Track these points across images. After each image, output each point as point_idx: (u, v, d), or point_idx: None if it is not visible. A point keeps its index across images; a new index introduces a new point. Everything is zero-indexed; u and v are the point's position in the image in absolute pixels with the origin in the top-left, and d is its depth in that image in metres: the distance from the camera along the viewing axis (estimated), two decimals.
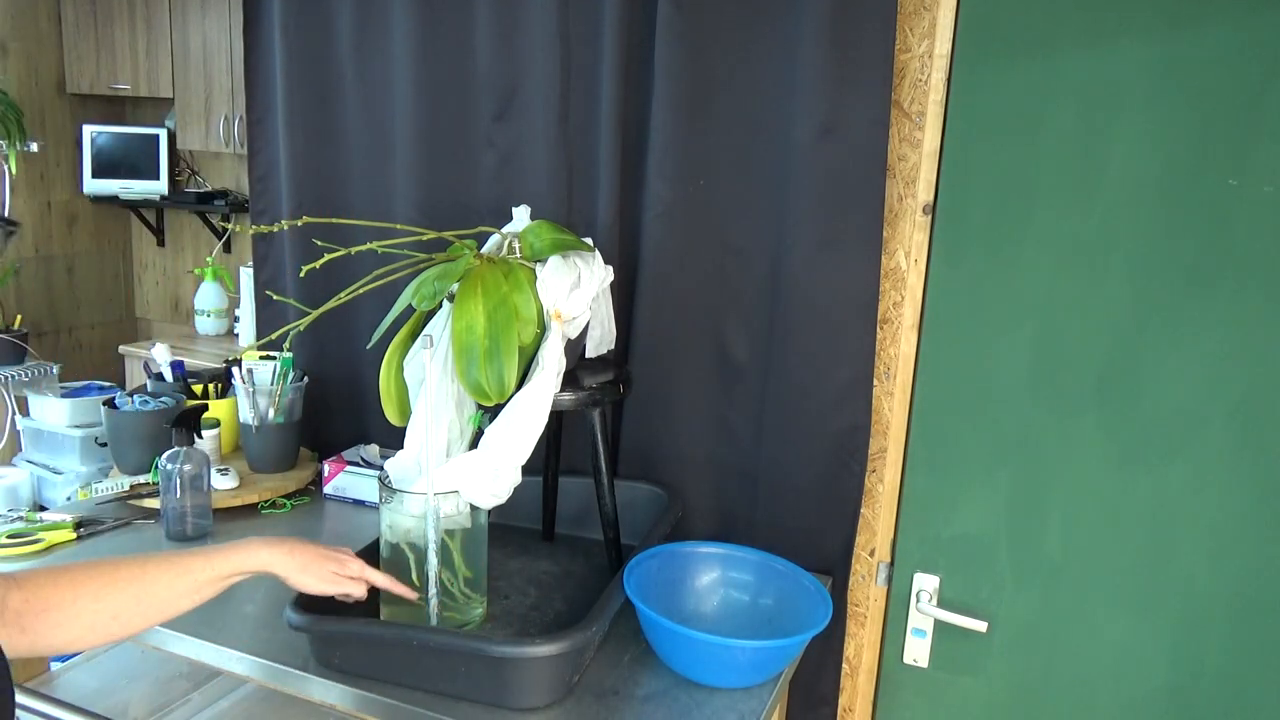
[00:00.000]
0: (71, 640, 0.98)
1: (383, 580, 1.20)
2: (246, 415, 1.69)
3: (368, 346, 1.40)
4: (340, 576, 1.14)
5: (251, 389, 1.68)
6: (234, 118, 3.43)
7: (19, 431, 3.28)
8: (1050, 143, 1.29)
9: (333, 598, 1.16)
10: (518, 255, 1.31)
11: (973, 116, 1.33)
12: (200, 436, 1.58)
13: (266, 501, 1.68)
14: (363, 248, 1.29)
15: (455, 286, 1.23)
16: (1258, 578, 1.27)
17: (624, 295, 1.56)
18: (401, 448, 1.27)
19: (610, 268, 1.37)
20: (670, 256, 1.52)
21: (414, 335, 1.34)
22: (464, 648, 1.11)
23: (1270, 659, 1.28)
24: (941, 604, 1.46)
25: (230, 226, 3.89)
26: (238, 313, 3.54)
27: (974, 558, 1.43)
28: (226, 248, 3.95)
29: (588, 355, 1.41)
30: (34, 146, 3.61)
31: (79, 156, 3.81)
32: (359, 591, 1.17)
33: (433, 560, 1.22)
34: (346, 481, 1.72)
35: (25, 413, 3.25)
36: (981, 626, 1.43)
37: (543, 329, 1.26)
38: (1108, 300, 1.29)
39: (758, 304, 1.50)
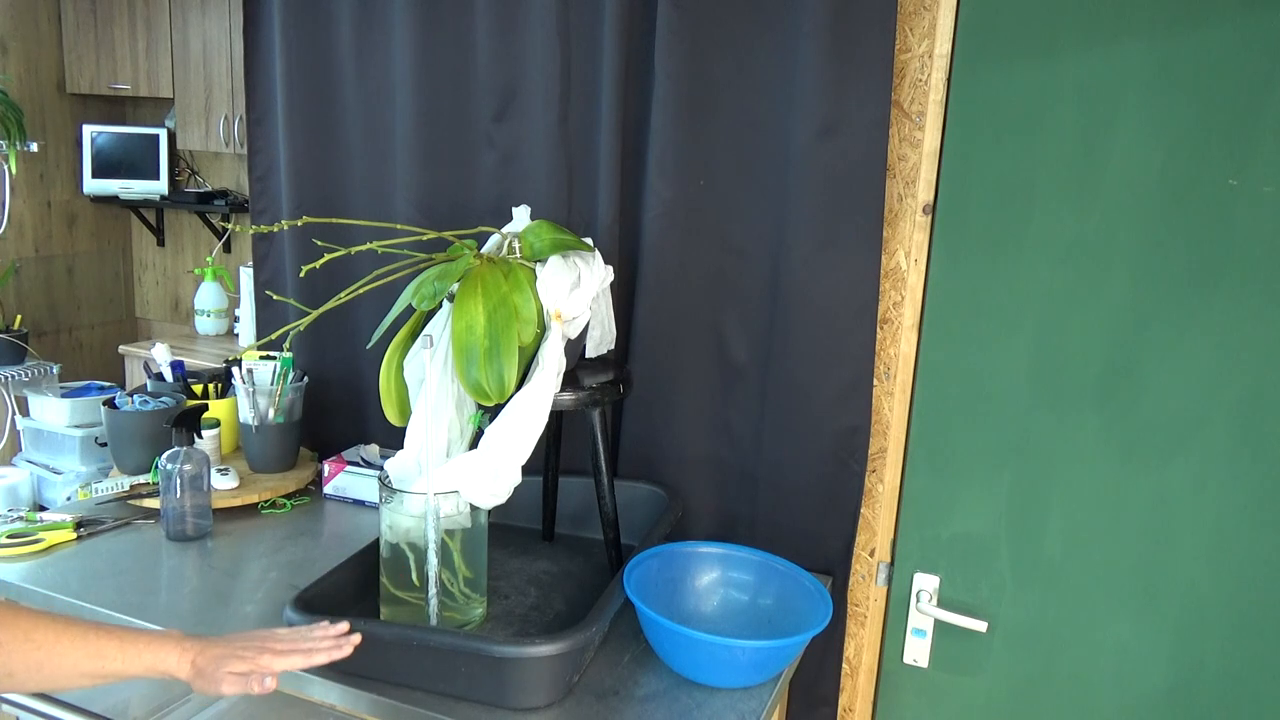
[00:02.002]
0: None
1: (300, 662, 1.06)
2: (246, 415, 1.69)
3: (368, 346, 1.40)
4: (239, 676, 1.02)
5: (251, 389, 1.68)
6: (234, 118, 3.43)
7: (19, 431, 3.29)
8: (1050, 143, 1.29)
9: (332, 598, 1.15)
10: (518, 255, 1.31)
11: (973, 116, 1.33)
12: (200, 436, 1.58)
13: (266, 501, 1.68)
14: (363, 248, 1.29)
15: (455, 286, 1.23)
16: (1258, 578, 1.27)
17: (624, 295, 1.56)
18: (401, 448, 1.27)
19: (610, 268, 1.37)
20: (670, 256, 1.52)
21: (414, 335, 1.34)
22: (464, 648, 1.11)
23: (1270, 659, 1.28)
24: (941, 604, 1.46)
25: (230, 226, 3.89)
26: (238, 313, 3.54)
27: (974, 558, 1.43)
28: (226, 248, 3.95)
29: (588, 355, 1.41)
30: (34, 146, 3.60)
31: (79, 156, 3.81)
32: (269, 685, 1.04)
33: (433, 560, 1.22)
34: (346, 481, 1.72)
35: (25, 413, 3.26)
36: (981, 626, 1.43)
37: (543, 329, 1.26)
38: (1108, 300, 1.29)
39: (758, 304, 1.50)
